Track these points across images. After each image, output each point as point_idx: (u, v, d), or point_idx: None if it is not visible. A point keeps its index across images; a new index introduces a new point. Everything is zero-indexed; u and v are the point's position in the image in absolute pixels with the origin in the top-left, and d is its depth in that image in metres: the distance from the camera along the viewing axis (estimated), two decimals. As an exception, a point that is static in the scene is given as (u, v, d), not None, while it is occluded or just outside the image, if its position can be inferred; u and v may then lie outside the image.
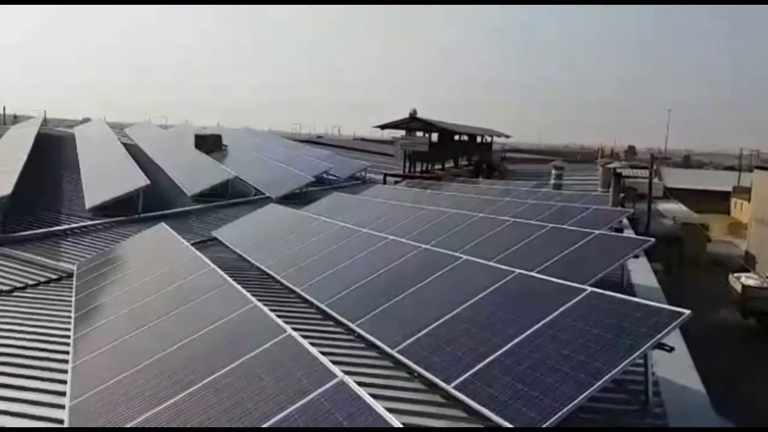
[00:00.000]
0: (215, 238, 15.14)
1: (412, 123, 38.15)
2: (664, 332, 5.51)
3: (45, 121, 35.12)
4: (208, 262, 8.40)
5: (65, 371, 6.54)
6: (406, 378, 6.57)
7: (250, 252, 12.79)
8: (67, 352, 7.08)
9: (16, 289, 10.59)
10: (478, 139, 49.64)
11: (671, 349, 5.82)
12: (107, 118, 43.45)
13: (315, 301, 9.11)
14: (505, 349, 6.12)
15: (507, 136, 57.03)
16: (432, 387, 6.21)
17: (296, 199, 22.14)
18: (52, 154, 24.07)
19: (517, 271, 7.61)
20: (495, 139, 53.44)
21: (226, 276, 7.48)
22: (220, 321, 5.97)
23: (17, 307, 9.44)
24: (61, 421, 5.47)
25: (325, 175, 28.21)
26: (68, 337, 7.65)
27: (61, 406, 5.77)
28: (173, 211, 18.45)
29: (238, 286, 6.93)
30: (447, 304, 7.34)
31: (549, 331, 6.17)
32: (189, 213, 18.79)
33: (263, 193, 22.73)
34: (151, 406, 4.85)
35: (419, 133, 38.67)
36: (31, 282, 11.01)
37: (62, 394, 6.04)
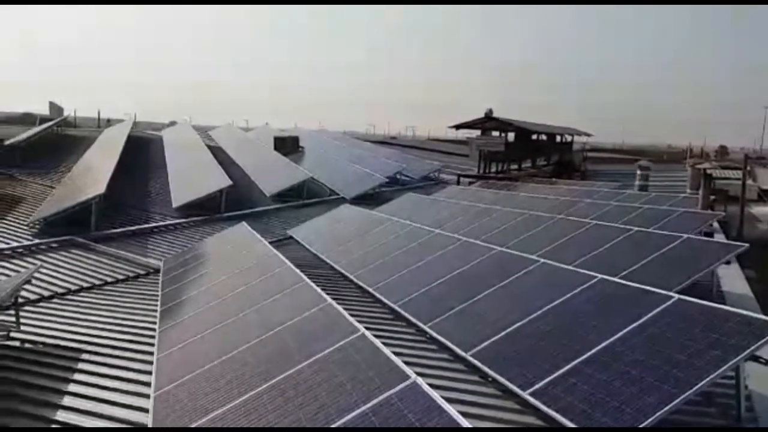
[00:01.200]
0: (291, 237, 15.51)
1: (487, 122, 37.54)
2: (758, 344, 5.13)
3: (135, 124, 37.18)
4: (285, 260, 8.60)
5: (150, 362, 6.87)
6: (479, 382, 6.44)
7: (324, 251, 13.01)
8: (153, 344, 7.44)
9: (107, 283, 11.27)
10: (558, 138, 48.21)
11: (767, 362, 5.40)
12: (192, 120, 45.47)
13: (387, 301, 9.13)
14: (585, 356, 5.89)
15: (588, 135, 55.11)
16: (506, 393, 6.07)
17: (369, 199, 22.34)
18: (141, 155, 25.48)
19: (599, 276, 7.31)
20: (575, 138, 51.77)
21: (302, 274, 7.62)
22: (296, 318, 6.08)
23: (108, 300, 10.04)
24: (145, 410, 5.74)
25: (398, 176, 28.29)
26: (154, 329, 8.04)
27: (146, 396, 6.06)
28: (252, 211, 19.08)
29: (313, 285, 7.05)
30: (523, 309, 7.15)
31: (632, 340, 5.88)
32: (267, 212, 19.37)
33: (337, 194, 23.09)
34: (230, 398, 5.00)
35: (495, 133, 38.01)
36: (121, 277, 11.69)
37: (147, 384, 6.34)
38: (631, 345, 5.81)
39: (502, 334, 6.84)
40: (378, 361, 4.64)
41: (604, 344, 5.96)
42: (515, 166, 39.49)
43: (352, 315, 5.86)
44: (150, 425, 5.11)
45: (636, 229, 11.60)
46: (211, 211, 17.87)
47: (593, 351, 5.92)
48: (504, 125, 37.85)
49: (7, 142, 22.14)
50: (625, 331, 6.05)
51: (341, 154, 31.40)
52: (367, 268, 10.81)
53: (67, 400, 6.07)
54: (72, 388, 6.37)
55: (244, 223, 13.34)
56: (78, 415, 5.79)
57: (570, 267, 8.13)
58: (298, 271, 7.86)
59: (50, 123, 30.22)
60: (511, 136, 38.96)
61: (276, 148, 30.49)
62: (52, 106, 39.70)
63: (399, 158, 32.96)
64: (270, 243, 10.97)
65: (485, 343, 6.79)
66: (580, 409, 5.24)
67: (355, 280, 10.58)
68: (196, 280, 9.70)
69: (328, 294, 6.69)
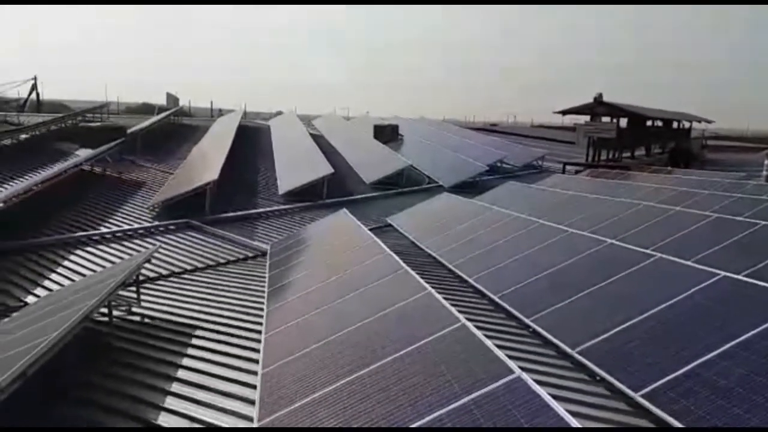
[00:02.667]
0: (390, 224, 15.60)
1: (597, 108, 35.64)
2: None
3: (245, 114, 38.94)
4: (385, 247, 8.62)
5: (258, 341, 7.15)
6: (586, 381, 6.13)
7: (423, 239, 12.95)
8: (261, 324, 7.74)
9: (218, 264, 11.88)
10: (675, 124, 45.03)
11: None
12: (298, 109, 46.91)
13: (487, 292, 8.92)
14: (704, 359, 5.43)
15: (708, 122, 51.07)
16: (616, 393, 5.73)
17: (469, 187, 22.01)
18: (250, 143, 26.67)
19: (722, 273, 6.71)
20: (694, 124, 48.11)
21: (401, 261, 7.61)
22: (396, 305, 6.07)
23: (219, 279, 10.57)
24: (252, 386, 5.99)
25: (499, 164, 27.66)
26: (262, 309, 8.36)
27: (254, 372, 6.31)
28: (352, 198, 19.40)
29: (413, 272, 7.01)
30: (636, 306, 6.71)
31: (759, 344, 5.34)
32: (367, 200, 19.63)
33: (436, 182, 22.95)
34: (331, 380, 5.08)
35: (605, 119, 36.05)
36: (231, 258, 12.28)
37: (255, 361, 6.61)
38: (758, 349, 5.29)
39: (613, 331, 6.46)
40: (480, 352, 4.52)
41: (726, 347, 5.48)
42: (627, 154, 37.32)
43: (451, 305, 5.75)
44: (257, 401, 5.29)
45: (763, 223, 10.57)
46: (314, 197, 18.37)
47: (714, 353, 5.45)
48: (615, 110, 35.78)
49: (129, 131, 23.92)
50: (751, 333, 5.51)
51: (440, 142, 31.16)
52: (466, 258, 10.63)
53: (180, 373, 6.45)
54: (185, 361, 6.76)
55: (345, 209, 13.56)
56: (189, 387, 6.13)
57: (688, 263, 7.53)
58: (398, 258, 7.85)
59: (167, 113, 32.32)
60: (623, 122, 36.77)
61: (375, 137, 30.80)
62: (169, 96, 42.45)
63: (500, 146, 32.22)
64: (369, 230, 11.07)
65: (594, 341, 6.45)
66: (698, 414, 4.84)
67: (454, 269, 10.44)
68: (300, 264, 9.98)
69: (426, 282, 6.63)
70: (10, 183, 15.99)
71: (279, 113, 49.02)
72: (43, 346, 4.69)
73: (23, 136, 22.36)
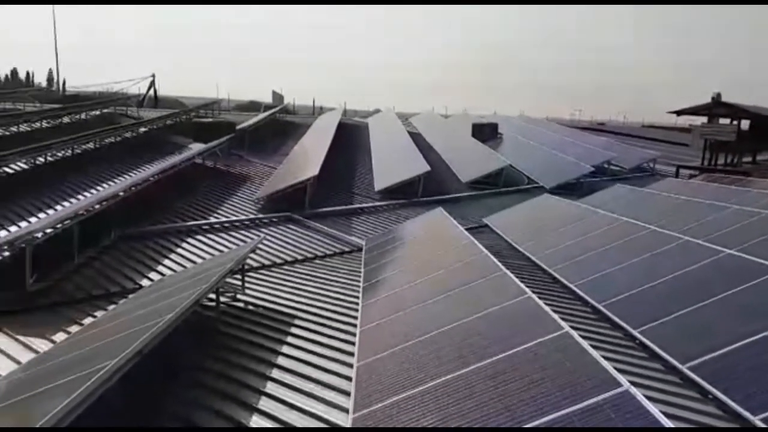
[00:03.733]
0: (486, 225, 15.33)
1: (715, 108, 33.10)
2: None
3: (344, 112, 39.79)
4: (482, 248, 8.48)
5: (353, 333, 7.26)
6: (697, 399, 5.70)
7: (521, 241, 12.61)
8: (356, 317, 7.86)
9: (316, 257, 12.22)
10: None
11: None
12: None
13: (590, 300, 8.53)
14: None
15: None
16: (732, 415, 5.28)
17: (572, 189, 21.17)
18: (349, 140, 27.19)
19: None
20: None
21: (499, 263, 7.44)
22: (494, 307, 5.94)
23: (317, 272, 10.86)
24: (347, 377, 6.08)
25: (606, 165, 26.35)
26: (357, 303, 8.49)
27: (348, 364, 6.41)
28: (448, 197, 19.26)
29: (512, 275, 6.83)
30: (758, 322, 6.15)
31: None
32: (462, 199, 19.41)
33: (536, 183, 22.27)
34: (426, 379, 5.05)
35: (724, 120, 33.40)
36: (328, 252, 12.59)
37: (350, 353, 6.71)
38: None
39: (729, 348, 5.97)
40: (583, 362, 4.32)
41: None
42: (748, 159, 34.43)
43: (552, 311, 5.54)
44: (352, 393, 5.36)
45: None
46: (409, 195, 18.42)
47: None
48: (737, 112, 33.05)
49: (238, 127, 25.13)
50: None
51: (542, 141, 30.20)
52: (567, 263, 10.23)
53: (280, 360, 6.68)
54: (285, 349, 7.00)
55: (440, 208, 13.49)
56: (287, 374, 6.33)
57: (823, 279, 6.80)
58: (495, 260, 7.69)
59: (272, 110, 33.64)
60: (744, 123, 33.93)
61: (474, 135, 30.38)
62: (275, 94, 44.20)
63: (607, 146, 30.69)
64: (465, 230, 10.93)
65: (707, 357, 5.98)
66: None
67: (554, 274, 10.08)
68: (395, 260, 10.04)
69: (525, 286, 6.43)
70: (131, 173, 17.29)
71: (377, 111, 49.65)
72: (158, 327, 5.01)
73: (142, 129, 24.11)
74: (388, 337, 6.39)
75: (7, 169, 15.74)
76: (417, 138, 28.91)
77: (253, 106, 46.99)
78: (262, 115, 31.05)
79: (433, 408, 4.56)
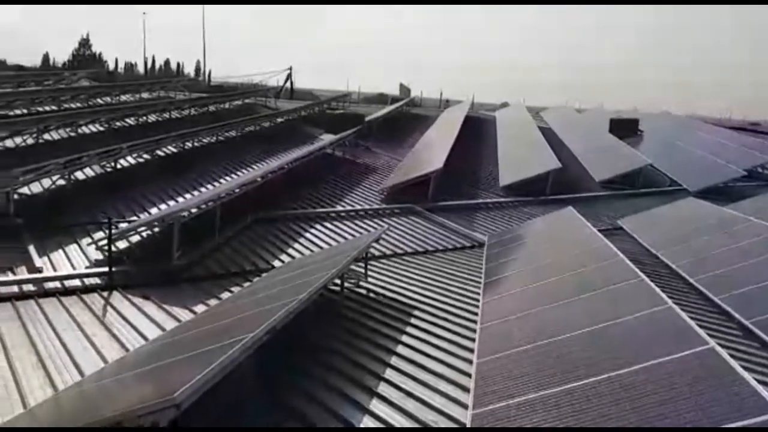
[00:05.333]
0: (621, 228, 14.44)
1: None
2: None
3: (472, 105, 39.32)
4: (617, 251, 7.98)
5: (472, 330, 7.17)
6: None
7: (659, 247, 11.73)
8: (475, 313, 7.74)
9: (437, 250, 12.21)
10: None
11: None
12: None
13: (737, 316, 7.77)
14: None
15: None
16: None
17: (720, 194, 19.30)
18: (475, 134, 26.84)
19: None
20: None
21: (636, 269, 6.96)
22: (628, 316, 5.56)
23: (437, 265, 10.84)
24: (465, 373, 6.00)
25: (760, 170, 23.85)
26: (477, 299, 8.35)
27: (466, 360, 6.33)
28: (579, 196, 18.37)
29: (651, 283, 6.35)
30: None
31: None
32: (595, 199, 18.43)
33: (679, 185, 20.60)
34: (551, 383, 4.84)
35: None
36: (449, 246, 12.52)
37: (468, 349, 6.62)
38: None
39: None
40: (731, 382, 3.90)
41: None
42: None
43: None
44: (471, 390, 5.27)
45: None
46: (536, 192, 17.82)
47: None
48: None
49: (366, 119, 25.72)
50: None
51: (687, 141, 27.88)
52: (712, 274, 9.37)
53: (400, 349, 6.74)
54: (404, 338, 7.06)
55: (571, 207, 12.89)
56: (405, 362, 6.38)
57: None
58: (632, 265, 7.20)
59: (400, 103, 34.05)
60: None
61: (611, 131, 28.71)
62: (402, 87, 44.70)
63: (763, 148, 27.71)
64: (598, 232, 10.34)
65: None
66: None
67: (697, 284, 9.28)
68: (519, 259, 9.75)
69: (665, 295, 5.95)
70: (267, 161, 18.31)
71: (505, 105, 48.55)
72: (291, 306, 5.25)
73: (279, 120, 25.43)
74: (510, 337, 6.21)
75: (159, 152, 17.30)
76: (547, 133, 27.88)
77: (380, 99, 47.90)
78: (389, 108, 31.56)
79: (555, 415, 4.37)
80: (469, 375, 5.95)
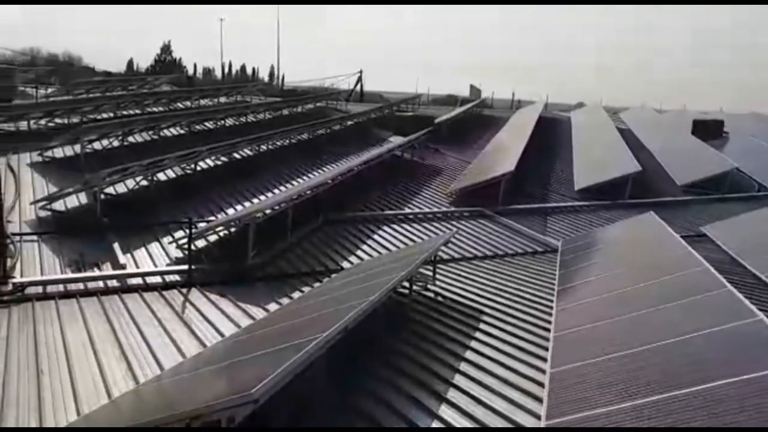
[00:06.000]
0: (704, 235, 13.66)
1: None
2: None
3: (546, 106, 38.39)
4: (701, 259, 7.55)
5: (544, 337, 6.97)
6: None
7: (747, 256, 11.00)
8: (548, 320, 7.53)
9: (507, 254, 11.97)
10: None
11: None
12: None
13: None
14: None
15: None
16: None
17: (815, 200, 17.96)
18: (549, 136, 26.16)
19: None
20: None
21: (722, 279, 6.55)
22: (714, 328, 5.24)
23: (507, 270, 10.63)
24: (537, 382, 5.84)
25: None
26: (549, 306, 8.12)
27: (538, 368, 6.17)
28: (659, 200, 17.52)
29: (739, 294, 5.96)
30: None
31: None
32: (676, 204, 17.52)
33: (768, 190, 19.31)
34: (626, 397, 4.63)
35: None
36: (519, 250, 12.26)
37: (540, 357, 6.45)
38: None
39: None
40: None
41: None
42: None
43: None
44: (545, 401, 5.13)
45: None
46: (614, 196, 17.14)
47: None
48: None
49: (436, 120, 25.59)
50: None
51: (778, 143, 26.08)
52: (808, 285, 8.68)
53: (468, 354, 6.66)
54: (472, 344, 6.97)
55: (652, 212, 12.31)
56: (476, 370, 6.28)
57: None
58: (717, 274, 6.78)
59: (470, 104, 33.66)
60: None
61: (694, 133, 27.26)
62: (472, 88, 44.14)
63: None
64: (681, 238, 9.82)
65: None
66: None
67: (790, 296, 8.63)
68: (594, 265, 9.40)
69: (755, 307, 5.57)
70: (337, 163, 18.56)
71: (580, 105, 47.09)
72: (362, 307, 5.28)
73: (349, 122, 25.73)
74: (585, 347, 5.99)
75: (235, 155, 17.88)
76: (626, 134, 26.79)
77: (450, 100, 47.56)
78: (459, 109, 31.28)
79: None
80: (538, 383, 5.82)
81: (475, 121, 29.61)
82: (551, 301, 8.37)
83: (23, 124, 18.67)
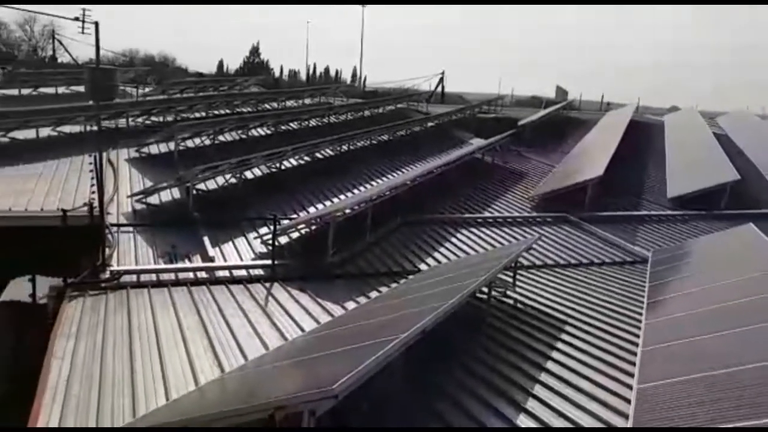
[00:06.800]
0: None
1: None
2: None
3: (637, 109, 36.71)
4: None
5: (631, 351, 6.67)
6: None
7: None
8: (636, 334, 7.19)
9: (592, 263, 11.51)
10: None
11: None
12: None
13: None
14: None
15: None
16: None
17: None
18: (640, 141, 24.98)
19: None
20: None
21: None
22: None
23: (592, 279, 10.23)
24: (624, 398, 5.61)
25: None
26: (638, 319, 7.75)
27: (623, 383, 5.91)
28: (760, 212, 16.32)
29: None
30: None
31: None
32: (779, 215, 16.24)
33: None
34: (717, 420, 4.33)
35: None
36: (606, 260, 11.76)
37: (625, 372, 6.18)
38: None
39: None
40: None
41: None
42: None
43: None
44: (630, 417, 4.89)
45: None
46: (709, 206, 16.13)
47: None
48: None
49: (520, 123, 25.06)
50: None
51: None
52: None
53: (549, 365, 6.47)
54: (554, 354, 6.76)
55: (751, 224, 11.48)
56: (554, 379, 6.11)
57: None
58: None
59: (556, 106, 32.71)
60: None
61: (800, 140, 25.21)
62: (559, 90, 42.85)
63: None
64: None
65: None
66: None
67: None
68: (689, 278, 8.87)
69: None
70: (416, 165, 18.56)
71: (674, 109, 44.72)
72: (441, 310, 5.24)
73: (429, 124, 25.68)
74: (676, 364, 5.66)
75: (318, 155, 18.27)
76: (724, 141, 25.19)
77: (534, 102, 46.52)
78: (543, 111, 30.49)
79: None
80: (623, 398, 5.62)
81: (561, 123, 28.75)
82: (639, 314, 7.99)
83: (122, 122, 19.90)
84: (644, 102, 42.15)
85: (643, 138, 25.83)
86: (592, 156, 19.24)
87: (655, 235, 13.88)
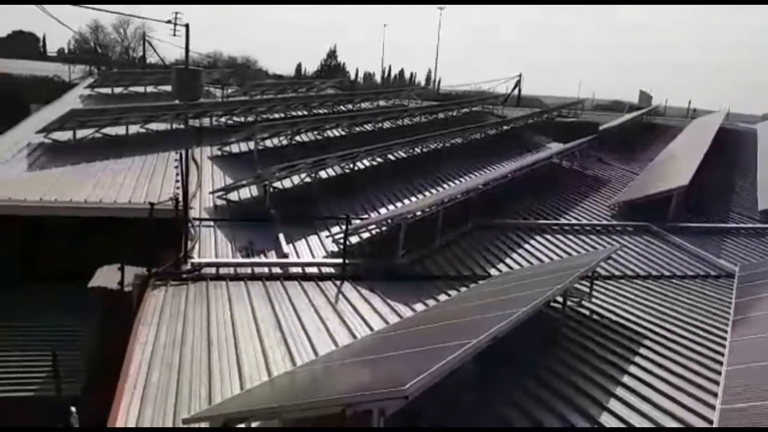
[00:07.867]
0: None
1: None
2: None
3: (727, 116, 34.69)
4: None
5: (714, 370, 6.36)
6: None
7: None
8: (719, 352, 6.84)
9: (674, 276, 10.97)
10: None
11: None
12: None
13: None
14: None
15: None
16: None
17: None
18: (729, 149, 23.61)
19: None
20: None
21: None
22: None
23: (674, 293, 9.77)
24: (702, 416, 5.39)
25: None
26: (722, 337, 7.35)
27: (704, 402, 5.64)
28: None
29: None
30: None
31: None
32: None
33: None
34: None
35: None
36: (689, 273, 11.18)
37: (707, 390, 5.89)
38: None
39: None
40: None
41: None
42: None
43: None
44: (713, 440, 4.64)
45: None
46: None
47: None
48: None
49: (601, 128, 24.22)
50: None
51: None
52: None
53: (626, 379, 6.23)
54: (630, 368, 6.52)
55: None
56: (631, 395, 5.89)
57: None
58: None
59: (639, 112, 31.40)
60: None
61: None
62: (642, 95, 41.13)
63: None
64: None
65: None
66: None
67: None
68: (781, 295, 8.31)
69: None
70: (490, 168, 18.32)
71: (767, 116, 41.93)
72: (514, 317, 5.15)
73: (504, 127, 25.27)
74: (759, 387, 5.32)
75: (391, 156, 18.37)
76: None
77: (616, 107, 44.86)
78: (626, 116, 29.36)
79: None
80: (704, 417, 5.37)
81: (645, 129, 27.59)
82: (724, 331, 7.58)
83: (206, 121, 20.77)
84: (735, 109, 39.61)
85: (733, 146, 24.38)
86: (677, 164, 18.34)
87: (743, 248, 13.07)
